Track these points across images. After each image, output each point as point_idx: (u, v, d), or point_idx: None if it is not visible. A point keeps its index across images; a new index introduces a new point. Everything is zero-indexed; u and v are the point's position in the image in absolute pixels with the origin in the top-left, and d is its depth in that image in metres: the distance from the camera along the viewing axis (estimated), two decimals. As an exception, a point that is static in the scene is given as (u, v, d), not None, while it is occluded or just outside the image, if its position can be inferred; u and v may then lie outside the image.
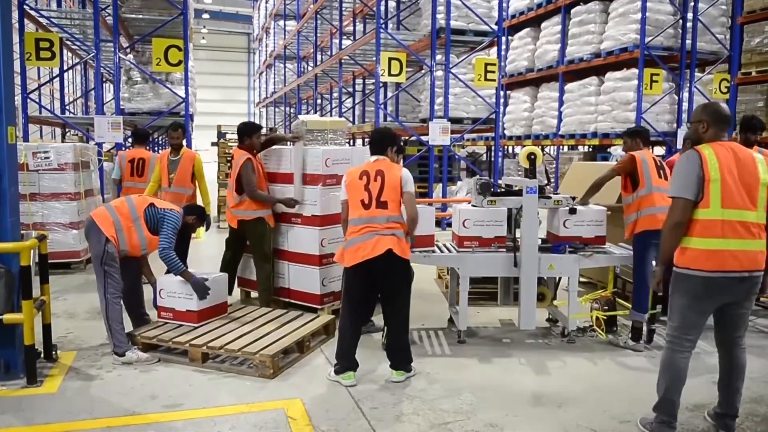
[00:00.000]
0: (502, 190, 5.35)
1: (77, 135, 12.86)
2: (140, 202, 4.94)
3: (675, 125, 12.76)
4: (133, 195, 5.25)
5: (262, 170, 5.90)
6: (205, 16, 42.29)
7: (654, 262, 4.90)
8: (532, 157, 5.35)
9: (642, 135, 5.40)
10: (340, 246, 4.42)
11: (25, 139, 11.34)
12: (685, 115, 12.77)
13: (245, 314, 5.27)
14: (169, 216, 4.83)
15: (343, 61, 16.27)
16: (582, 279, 6.26)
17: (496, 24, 12.85)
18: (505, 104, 16.61)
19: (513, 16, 16.49)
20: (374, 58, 13.10)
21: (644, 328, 5.10)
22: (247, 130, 5.89)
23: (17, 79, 9.46)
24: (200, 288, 4.85)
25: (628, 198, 5.15)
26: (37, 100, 12.85)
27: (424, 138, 12.51)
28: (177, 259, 4.78)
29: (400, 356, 4.35)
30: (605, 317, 5.29)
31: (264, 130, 6.91)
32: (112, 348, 4.64)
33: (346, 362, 4.28)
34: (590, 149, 16.03)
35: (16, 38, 7.58)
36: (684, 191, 3.30)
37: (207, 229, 6.76)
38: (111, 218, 4.73)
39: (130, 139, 12.20)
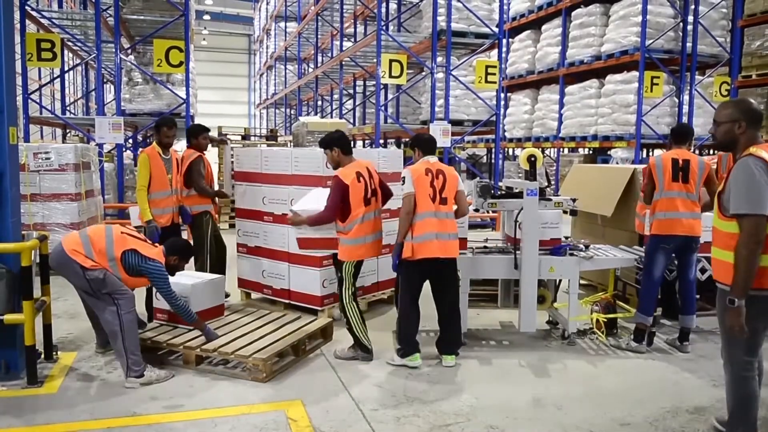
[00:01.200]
0: (503, 192, 5.35)
1: (78, 136, 12.86)
2: (120, 240, 4.36)
3: (675, 128, 12.75)
4: (113, 226, 4.56)
5: (209, 168, 6.30)
6: (206, 17, 42.29)
7: (660, 267, 4.90)
8: (533, 159, 5.34)
9: (673, 134, 5.19)
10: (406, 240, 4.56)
11: (26, 139, 11.36)
12: (685, 118, 12.78)
13: (242, 317, 5.23)
14: (154, 270, 4.35)
15: (343, 62, 16.29)
16: (582, 281, 6.26)
17: (496, 26, 12.86)
18: (506, 106, 16.62)
19: (514, 19, 16.51)
20: (375, 60, 13.11)
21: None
22: (194, 132, 6.30)
23: (18, 80, 9.48)
24: (211, 335, 4.60)
25: (647, 199, 5.08)
26: (38, 101, 12.86)
27: (424, 140, 12.49)
28: (189, 309, 4.50)
29: (454, 342, 4.77)
30: (605, 320, 5.30)
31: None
32: (126, 374, 4.23)
33: (411, 346, 4.62)
34: (590, 152, 16.05)
35: (17, 39, 7.58)
36: (758, 206, 2.89)
37: (188, 221, 6.30)
38: (83, 252, 4.27)
39: (130, 140, 12.20)
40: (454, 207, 4.71)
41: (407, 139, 16.09)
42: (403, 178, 4.60)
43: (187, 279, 5.00)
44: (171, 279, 4.57)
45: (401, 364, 4.60)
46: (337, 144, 4.75)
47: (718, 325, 3.28)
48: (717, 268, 3.20)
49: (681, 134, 5.13)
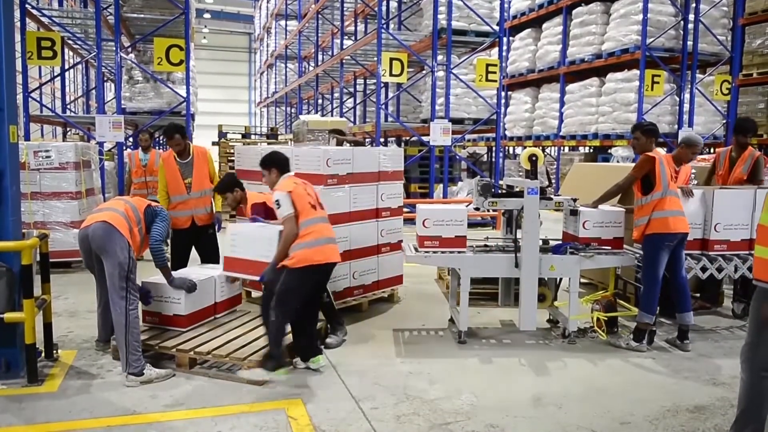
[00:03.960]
0: (503, 191, 5.35)
1: (78, 134, 12.86)
2: (139, 203, 4.74)
3: (676, 126, 12.76)
4: (129, 197, 4.94)
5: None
6: (207, 15, 42.27)
7: (663, 265, 4.90)
8: (534, 158, 5.34)
9: (657, 133, 5.16)
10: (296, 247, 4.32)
11: (27, 138, 11.37)
12: (686, 117, 12.78)
13: (235, 317, 5.21)
14: (162, 211, 4.78)
15: (344, 61, 16.28)
16: (583, 280, 6.26)
17: (497, 25, 12.85)
18: (506, 105, 16.62)
19: (514, 17, 16.50)
20: (375, 59, 13.11)
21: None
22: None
23: (19, 78, 9.47)
24: (183, 285, 4.70)
25: (641, 199, 5.02)
26: (39, 99, 12.86)
27: (425, 138, 12.52)
28: (164, 252, 4.64)
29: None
30: (606, 318, 5.29)
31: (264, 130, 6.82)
32: (125, 369, 4.23)
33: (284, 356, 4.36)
34: (591, 150, 16.04)
35: (17, 37, 7.58)
36: None
37: (219, 230, 6.25)
38: (125, 222, 4.42)
39: (131, 139, 12.21)
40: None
41: (407, 138, 16.11)
42: (278, 201, 4.34)
43: (210, 271, 5.23)
44: (161, 281, 4.72)
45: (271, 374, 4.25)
46: (276, 164, 4.58)
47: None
48: (761, 266, 3.17)
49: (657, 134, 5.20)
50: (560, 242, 5.38)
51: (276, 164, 4.59)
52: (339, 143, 6.34)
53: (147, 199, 5.75)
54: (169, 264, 4.76)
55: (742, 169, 5.99)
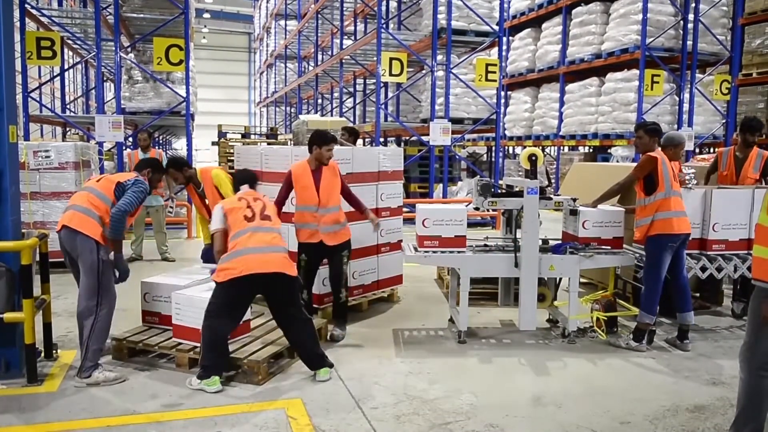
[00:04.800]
0: (503, 190, 5.35)
1: (78, 134, 12.87)
2: (106, 184, 4.35)
3: (676, 126, 12.76)
4: (92, 183, 4.48)
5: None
6: (206, 15, 42.27)
7: (666, 266, 4.90)
8: (533, 158, 5.34)
9: (660, 133, 5.07)
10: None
11: (26, 137, 11.36)
12: (685, 116, 12.78)
13: None
14: (139, 182, 4.39)
15: (343, 60, 16.28)
16: (582, 280, 6.26)
17: (497, 24, 12.86)
18: (506, 105, 16.63)
19: (514, 17, 16.51)
20: (375, 58, 13.11)
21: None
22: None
23: (18, 78, 9.47)
24: (122, 268, 4.36)
25: (643, 200, 4.99)
26: (38, 99, 12.86)
27: (424, 138, 12.51)
28: (123, 226, 4.25)
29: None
30: (606, 318, 5.29)
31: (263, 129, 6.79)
32: (79, 370, 4.17)
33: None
34: (591, 150, 16.05)
35: (17, 37, 7.57)
36: None
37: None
38: (88, 218, 4.19)
39: (130, 139, 12.21)
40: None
41: (407, 138, 16.12)
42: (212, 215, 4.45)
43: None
44: (161, 281, 4.63)
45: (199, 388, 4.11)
46: (240, 182, 4.74)
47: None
48: (760, 266, 3.17)
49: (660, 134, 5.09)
50: (560, 242, 5.38)
51: (240, 182, 4.74)
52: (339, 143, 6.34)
53: (147, 199, 5.55)
54: (122, 236, 4.32)
55: (753, 169, 5.92)
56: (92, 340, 4.16)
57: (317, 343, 4.44)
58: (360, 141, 18.93)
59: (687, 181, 5.99)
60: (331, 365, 4.39)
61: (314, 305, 5.71)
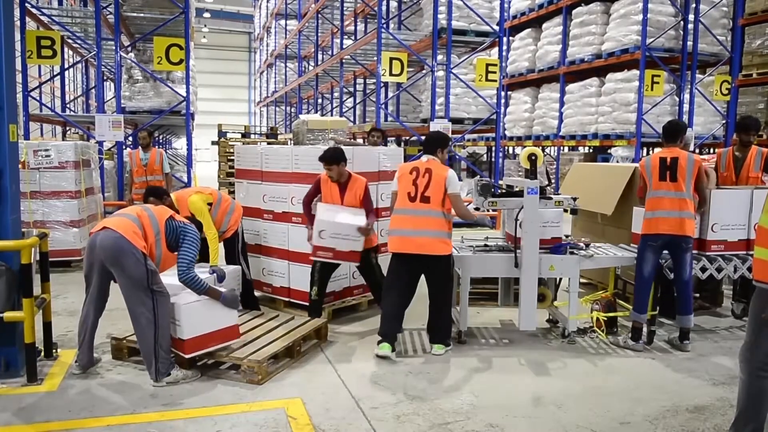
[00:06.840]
0: (503, 191, 5.35)
1: (78, 133, 12.86)
2: (160, 212, 4.31)
3: (675, 126, 12.73)
4: (148, 205, 4.46)
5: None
6: (207, 14, 42.31)
7: (649, 265, 4.93)
8: (533, 158, 5.34)
9: (664, 132, 5.12)
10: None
11: (26, 137, 11.34)
12: (686, 117, 12.78)
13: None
14: (191, 231, 4.29)
15: (344, 60, 16.28)
16: (582, 280, 6.26)
17: (497, 24, 12.85)
18: (506, 105, 16.62)
19: (514, 17, 16.50)
20: (375, 58, 13.10)
21: (644, 329, 5.11)
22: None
23: (18, 77, 9.47)
24: (232, 302, 4.39)
25: (643, 201, 5.15)
26: (38, 98, 12.85)
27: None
28: (199, 278, 4.23)
29: (438, 333, 4.91)
30: (605, 318, 5.30)
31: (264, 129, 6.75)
32: (153, 376, 4.14)
33: (385, 337, 4.71)
34: (591, 150, 16.04)
35: (17, 36, 7.57)
36: None
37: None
38: (136, 227, 4.11)
39: (130, 138, 12.20)
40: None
41: (407, 138, 16.12)
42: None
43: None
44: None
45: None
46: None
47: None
48: (761, 267, 3.16)
49: (671, 132, 5.06)
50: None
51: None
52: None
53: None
54: (206, 284, 4.29)
55: (754, 168, 5.89)
56: (161, 341, 4.10)
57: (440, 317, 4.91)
58: (360, 141, 18.96)
59: None
60: (447, 344, 4.91)
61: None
